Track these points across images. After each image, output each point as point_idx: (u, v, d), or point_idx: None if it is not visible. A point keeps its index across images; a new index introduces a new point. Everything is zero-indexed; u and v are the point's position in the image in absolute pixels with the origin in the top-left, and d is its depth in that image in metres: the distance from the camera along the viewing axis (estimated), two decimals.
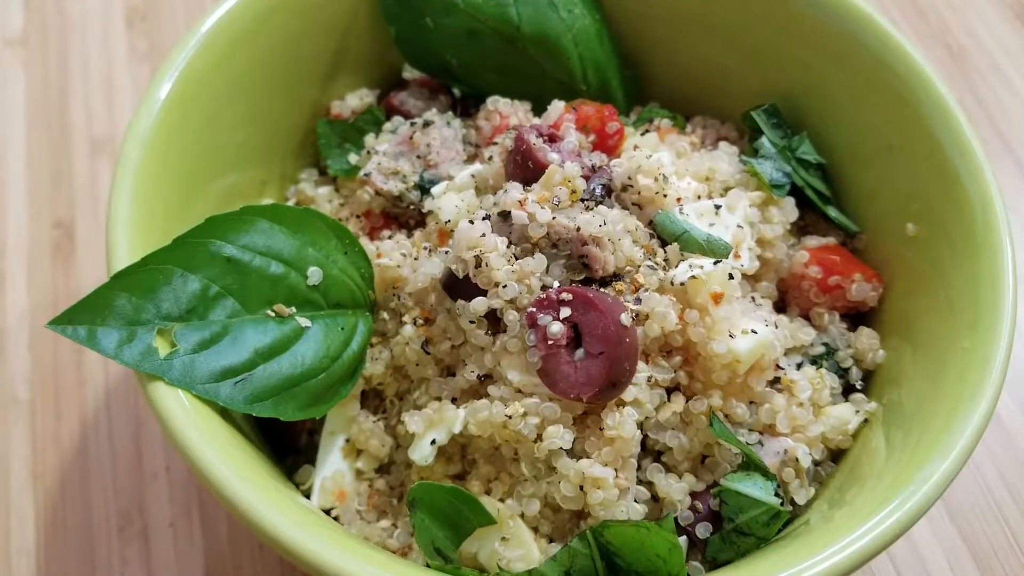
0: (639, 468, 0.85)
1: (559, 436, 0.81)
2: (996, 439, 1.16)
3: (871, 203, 1.03)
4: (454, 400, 0.88)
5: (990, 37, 1.49)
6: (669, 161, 0.95)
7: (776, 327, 0.90)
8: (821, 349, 0.97)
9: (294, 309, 0.87)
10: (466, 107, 1.12)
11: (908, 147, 0.96)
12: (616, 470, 0.82)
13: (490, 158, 0.97)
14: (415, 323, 0.90)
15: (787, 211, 1.00)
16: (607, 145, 0.98)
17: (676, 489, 0.84)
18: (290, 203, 1.09)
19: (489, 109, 1.06)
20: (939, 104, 0.94)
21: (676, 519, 0.83)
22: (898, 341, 0.96)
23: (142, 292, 0.80)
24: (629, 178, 0.91)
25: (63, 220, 1.29)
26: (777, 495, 0.83)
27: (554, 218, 0.84)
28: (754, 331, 0.84)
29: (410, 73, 1.15)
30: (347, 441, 0.93)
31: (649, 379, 0.84)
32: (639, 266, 0.86)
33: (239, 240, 0.85)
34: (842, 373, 0.96)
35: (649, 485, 0.85)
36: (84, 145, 1.36)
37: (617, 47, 1.13)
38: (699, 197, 0.95)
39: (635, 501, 0.83)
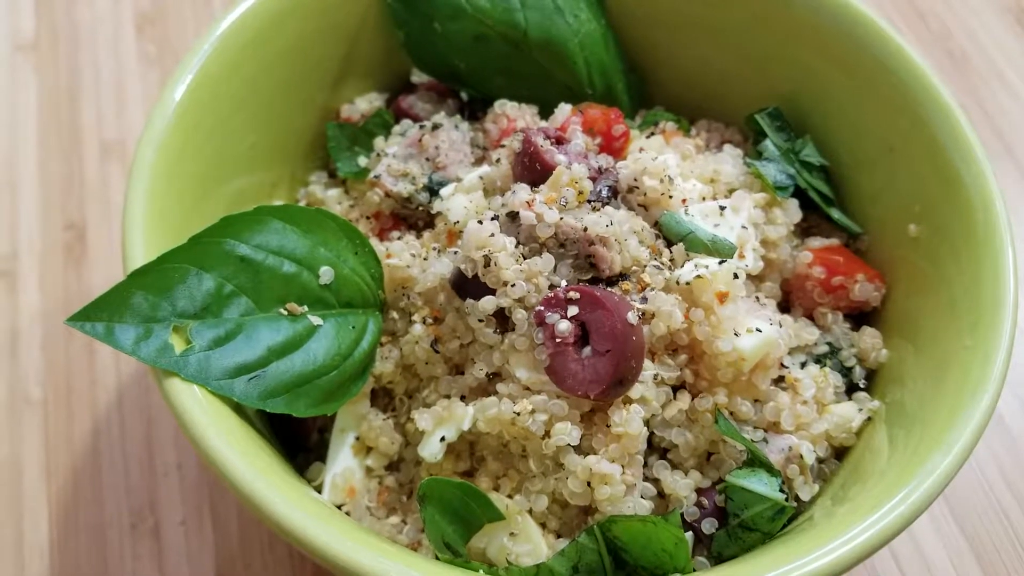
0: (645, 465, 0.86)
1: (567, 433, 0.82)
2: (999, 440, 1.17)
3: (874, 205, 1.04)
4: (463, 398, 0.89)
5: (991, 42, 1.50)
6: (674, 163, 0.96)
7: (780, 326, 0.91)
8: (825, 348, 0.98)
9: (306, 308, 0.88)
10: (474, 110, 1.13)
11: (910, 149, 0.98)
12: (623, 466, 0.83)
13: (498, 160, 0.98)
14: (424, 322, 0.91)
15: (791, 212, 1.01)
16: (613, 147, 0.99)
17: (682, 485, 0.85)
18: (301, 205, 1.10)
19: (497, 112, 1.07)
20: (940, 106, 0.95)
21: (682, 515, 0.84)
22: (901, 340, 0.97)
23: (158, 290, 0.81)
24: (635, 179, 0.93)
25: (74, 222, 1.31)
26: (782, 491, 0.84)
27: (561, 218, 0.86)
28: (759, 330, 0.86)
29: (418, 77, 1.17)
30: (357, 439, 0.94)
31: (655, 377, 0.85)
32: (645, 266, 0.88)
33: (253, 240, 0.87)
34: (845, 372, 0.97)
35: (655, 482, 0.86)
36: (95, 148, 1.37)
37: (622, 52, 1.15)
38: (704, 198, 0.96)
39: (641, 497, 0.85)
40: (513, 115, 1.06)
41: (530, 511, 0.86)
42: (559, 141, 0.94)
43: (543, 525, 0.86)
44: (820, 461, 0.92)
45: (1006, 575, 1.08)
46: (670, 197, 0.92)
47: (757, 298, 0.95)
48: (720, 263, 0.88)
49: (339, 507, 0.92)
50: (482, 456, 0.90)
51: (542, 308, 0.83)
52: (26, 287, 1.26)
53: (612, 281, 0.87)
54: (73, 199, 1.33)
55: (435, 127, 1.05)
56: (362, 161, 1.08)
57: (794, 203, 1.02)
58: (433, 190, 1.02)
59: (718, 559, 0.85)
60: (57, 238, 1.30)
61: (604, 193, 0.92)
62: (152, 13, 1.51)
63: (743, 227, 0.94)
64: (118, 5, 1.51)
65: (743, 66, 1.11)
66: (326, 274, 0.90)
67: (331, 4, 1.06)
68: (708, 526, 0.84)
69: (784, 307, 1.02)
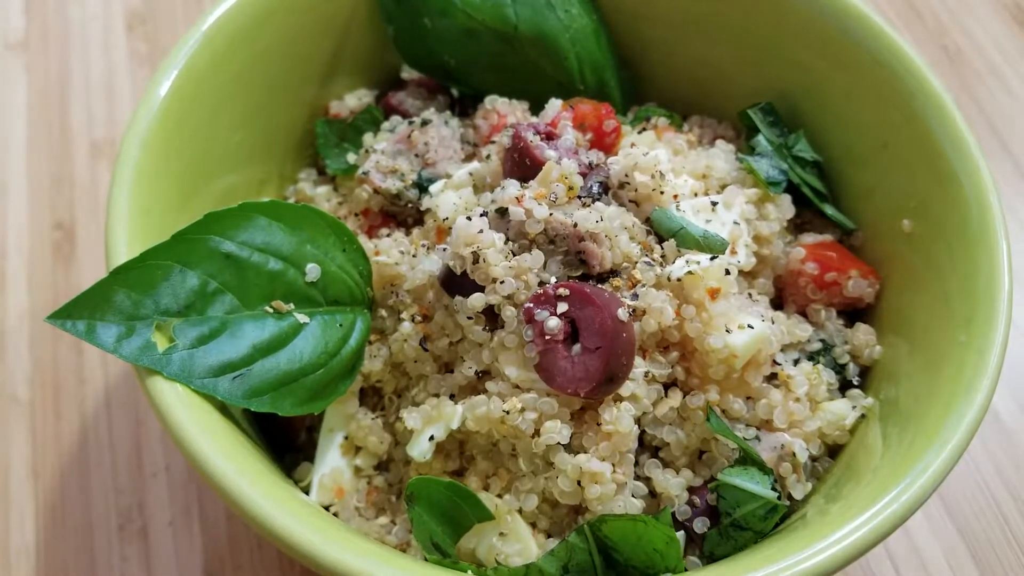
0: (636, 463, 0.86)
1: (557, 431, 0.81)
2: (994, 437, 1.16)
3: (867, 200, 1.03)
4: (452, 396, 0.88)
5: (987, 39, 1.50)
6: (666, 159, 0.95)
7: (773, 323, 0.90)
8: (818, 345, 0.97)
9: (292, 305, 0.88)
10: (464, 106, 1.13)
11: (904, 144, 0.97)
12: (613, 465, 0.82)
13: (488, 156, 0.97)
14: (413, 320, 0.90)
15: (783, 208, 1.00)
16: (604, 143, 0.98)
17: (673, 484, 0.85)
18: (289, 202, 1.09)
19: (487, 108, 1.07)
20: (934, 101, 0.94)
21: (673, 514, 0.84)
22: (895, 337, 0.96)
23: (141, 288, 0.80)
24: (626, 175, 0.92)
25: (63, 222, 1.30)
26: (774, 489, 0.83)
27: (551, 214, 0.85)
28: (751, 326, 0.85)
29: (408, 73, 1.16)
30: (346, 438, 0.94)
31: (646, 374, 0.84)
32: (636, 262, 0.87)
33: (238, 236, 0.86)
34: (839, 369, 0.96)
35: (647, 480, 0.86)
36: (84, 148, 1.37)
37: (614, 47, 1.14)
38: (696, 194, 0.95)
39: (633, 496, 0.84)
40: (503, 111, 1.06)
41: (520, 510, 0.85)
42: (549, 137, 0.93)
43: (533, 524, 0.85)
44: (813, 459, 0.91)
45: (1002, 572, 1.07)
46: (661, 193, 0.92)
47: (749, 294, 0.94)
48: (712, 259, 0.87)
49: (327, 508, 0.91)
50: (471, 455, 0.90)
51: (531, 305, 0.82)
52: (14, 286, 1.25)
53: (602, 277, 0.86)
54: (62, 198, 1.32)
55: (424, 123, 1.04)
56: (351, 158, 1.07)
57: (787, 199, 1.01)
58: (422, 187, 1.01)
59: (710, 558, 0.84)
60: (46, 237, 1.29)
61: (595, 189, 0.91)
62: (143, 11, 1.50)
63: (735, 223, 0.93)
64: (109, 4, 1.51)
65: (736, 61, 1.11)
66: (313, 271, 0.89)
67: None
68: (700, 525, 0.84)
69: (777, 303, 1.01)
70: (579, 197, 0.89)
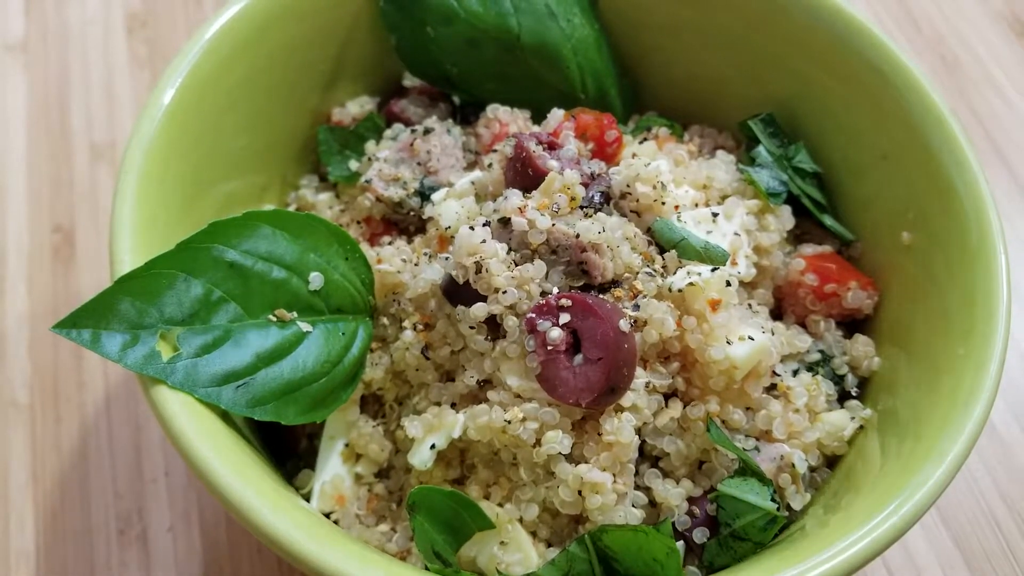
0: (637, 473, 0.86)
1: (558, 441, 0.82)
2: (991, 448, 1.16)
3: (867, 212, 1.04)
4: (453, 405, 0.89)
5: (984, 48, 1.50)
6: (667, 169, 0.95)
7: (773, 334, 0.90)
8: (817, 356, 0.97)
9: (295, 314, 0.88)
10: (466, 115, 1.13)
11: (903, 156, 0.98)
12: (614, 475, 0.82)
13: (490, 165, 0.98)
14: (415, 328, 0.90)
15: (783, 219, 1.01)
16: (606, 153, 0.99)
17: (674, 494, 0.85)
18: (291, 209, 1.09)
19: (489, 117, 1.07)
20: (933, 113, 0.95)
21: (673, 524, 0.84)
22: (893, 348, 0.97)
23: (146, 296, 0.81)
24: (628, 185, 0.92)
25: (63, 225, 1.30)
26: (773, 500, 0.83)
27: (553, 225, 0.85)
28: (751, 338, 0.85)
29: (410, 81, 1.16)
30: (347, 446, 0.94)
31: (647, 385, 0.85)
32: (637, 273, 0.87)
33: (242, 245, 0.86)
34: (838, 380, 0.97)
35: (647, 490, 0.86)
36: (84, 150, 1.37)
37: (616, 56, 1.14)
38: (697, 205, 0.96)
39: (633, 506, 0.84)
40: (505, 120, 1.06)
41: (520, 520, 0.85)
42: (551, 146, 0.94)
43: (533, 534, 0.86)
44: (812, 470, 0.92)
45: None
46: (663, 203, 0.92)
47: (750, 305, 0.95)
48: (713, 270, 0.88)
49: (328, 515, 0.91)
50: (472, 464, 0.90)
51: (533, 315, 0.83)
52: (13, 290, 1.25)
53: (604, 288, 0.87)
54: (62, 201, 1.32)
55: (427, 131, 1.04)
56: (353, 165, 1.07)
57: (787, 210, 1.01)
58: (424, 195, 1.02)
59: (709, 569, 0.85)
60: (45, 240, 1.29)
61: (596, 199, 0.91)
62: (143, 14, 1.50)
63: (736, 234, 0.94)
64: (108, 6, 1.50)
65: (736, 72, 1.11)
66: (316, 280, 0.89)
67: (323, 7, 1.06)
68: (699, 535, 0.84)
69: (776, 314, 1.02)
70: (581, 207, 0.89)
